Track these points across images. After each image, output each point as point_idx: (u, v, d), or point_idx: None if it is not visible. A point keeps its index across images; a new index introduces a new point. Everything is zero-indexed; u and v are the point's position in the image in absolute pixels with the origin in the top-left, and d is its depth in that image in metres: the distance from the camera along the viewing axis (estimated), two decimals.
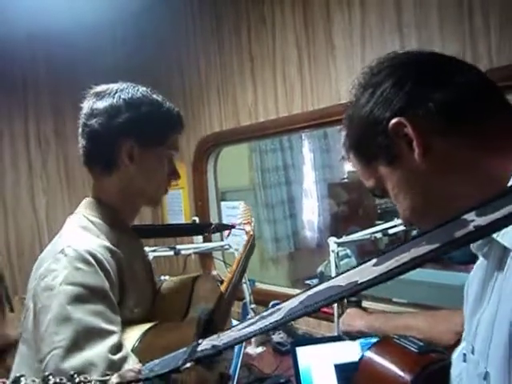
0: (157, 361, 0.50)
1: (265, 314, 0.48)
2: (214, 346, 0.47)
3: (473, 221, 0.40)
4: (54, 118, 2.62)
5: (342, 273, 0.45)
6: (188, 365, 0.48)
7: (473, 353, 0.58)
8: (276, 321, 0.45)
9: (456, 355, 0.68)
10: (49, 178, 2.63)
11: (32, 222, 2.58)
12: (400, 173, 0.63)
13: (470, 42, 1.40)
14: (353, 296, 0.44)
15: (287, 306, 0.46)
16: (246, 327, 0.47)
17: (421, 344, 0.87)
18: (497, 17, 1.34)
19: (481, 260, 0.63)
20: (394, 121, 0.60)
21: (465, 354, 0.62)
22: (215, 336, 0.50)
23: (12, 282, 2.35)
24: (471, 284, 0.66)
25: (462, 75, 0.62)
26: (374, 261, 0.44)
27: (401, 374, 0.83)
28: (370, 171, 0.67)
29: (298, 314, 0.44)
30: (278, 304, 0.48)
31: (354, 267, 0.45)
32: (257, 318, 0.48)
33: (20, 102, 2.55)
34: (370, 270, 0.42)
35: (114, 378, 0.45)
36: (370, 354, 0.91)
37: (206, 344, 0.49)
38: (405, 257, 0.41)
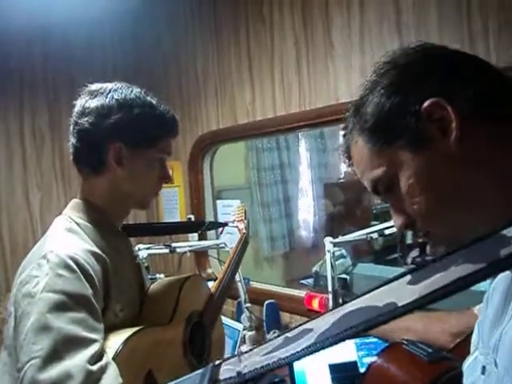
0: None
1: (290, 335, 0.42)
2: (239, 374, 0.41)
3: None
4: (49, 114, 2.60)
5: (374, 289, 0.41)
6: None
7: (496, 366, 0.55)
8: (308, 346, 0.39)
9: (467, 365, 0.64)
10: (43, 173, 2.61)
11: (26, 218, 2.56)
12: (423, 159, 0.57)
13: (468, 43, 1.40)
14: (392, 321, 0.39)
15: (318, 327, 0.40)
16: (273, 351, 0.41)
17: (430, 351, 0.84)
18: (495, 19, 1.35)
19: (505, 273, 0.59)
20: (430, 101, 0.56)
21: (484, 367, 0.58)
22: (235, 359, 0.43)
23: (5, 278, 2.33)
24: (492, 296, 0.62)
25: (491, 70, 0.59)
26: (409, 278, 0.39)
27: None
28: (384, 157, 0.60)
29: (333, 341, 0.39)
30: (304, 323, 0.43)
31: (386, 282, 0.41)
32: (281, 339, 0.42)
33: (15, 97, 2.53)
34: (406, 290, 0.38)
35: None
36: (379, 361, 0.87)
37: (228, 370, 0.42)
38: (445, 277, 0.37)
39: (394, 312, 0.37)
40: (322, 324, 0.41)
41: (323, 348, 0.39)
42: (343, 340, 0.38)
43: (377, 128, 0.60)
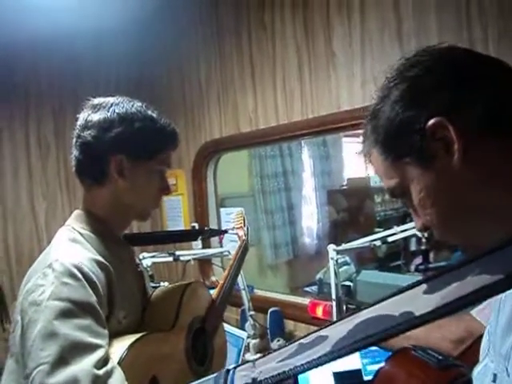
0: None
1: (304, 341, 0.42)
2: (254, 381, 0.40)
3: None
4: (54, 125, 2.63)
5: (388, 297, 0.40)
6: None
7: (508, 375, 0.55)
8: (324, 354, 0.38)
9: (477, 372, 0.64)
10: (48, 182, 2.64)
11: (31, 227, 2.58)
12: (432, 176, 0.58)
13: None
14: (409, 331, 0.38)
15: (333, 335, 0.40)
16: (288, 358, 0.40)
17: (440, 358, 0.83)
18: (495, 26, 1.35)
19: None
20: (434, 120, 0.56)
21: (495, 375, 0.58)
22: (249, 365, 0.43)
23: (10, 287, 2.34)
24: (504, 304, 0.61)
25: (507, 79, 0.58)
26: (424, 287, 0.39)
27: None
28: (396, 170, 0.62)
29: (349, 350, 0.38)
30: (318, 330, 0.42)
31: (400, 291, 0.40)
32: (296, 345, 0.42)
33: (21, 108, 2.56)
34: (422, 299, 0.38)
35: None
36: (388, 367, 0.86)
37: (243, 376, 0.42)
38: (461, 288, 0.36)
39: (412, 322, 0.37)
40: (337, 331, 0.40)
41: (340, 357, 0.38)
42: (360, 349, 0.38)
43: (387, 143, 0.62)
